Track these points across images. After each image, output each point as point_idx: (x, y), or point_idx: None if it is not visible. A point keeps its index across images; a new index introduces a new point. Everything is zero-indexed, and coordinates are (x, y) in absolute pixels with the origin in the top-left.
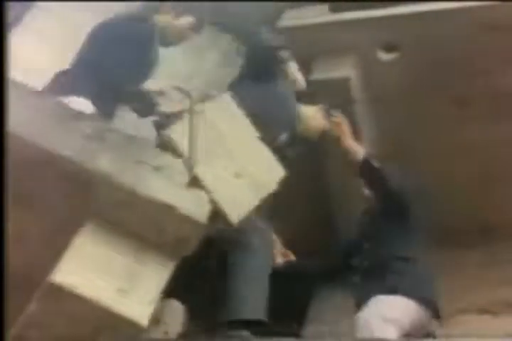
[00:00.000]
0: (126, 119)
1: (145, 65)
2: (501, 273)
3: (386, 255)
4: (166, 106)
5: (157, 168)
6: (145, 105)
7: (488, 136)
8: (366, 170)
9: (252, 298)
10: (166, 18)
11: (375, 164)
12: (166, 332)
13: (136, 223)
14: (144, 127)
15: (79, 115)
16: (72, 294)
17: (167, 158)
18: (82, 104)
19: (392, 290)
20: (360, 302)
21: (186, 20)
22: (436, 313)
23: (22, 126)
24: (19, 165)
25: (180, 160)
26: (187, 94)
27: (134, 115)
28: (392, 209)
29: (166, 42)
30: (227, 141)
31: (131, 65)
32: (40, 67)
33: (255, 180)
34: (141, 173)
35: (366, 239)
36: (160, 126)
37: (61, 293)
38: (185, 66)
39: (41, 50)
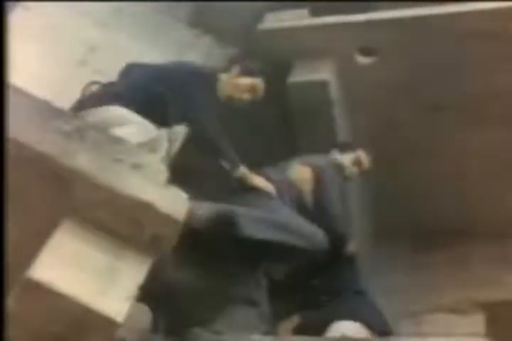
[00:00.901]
0: None
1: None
2: (469, 273)
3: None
4: None
5: (135, 166)
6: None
7: (463, 141)
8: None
9: None
10: (229, 77)
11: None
12: None
13: (114, 220)
14: None
15: (59, 113)
16: (49, 290)
17: (145, 157)
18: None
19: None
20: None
21: (248, 81)
22: None
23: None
24: None
25: (158, 159)
26: None
27: None
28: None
29: (221, 97)
30: None
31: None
32: (24, 66)
33: None
34: (120, 171)
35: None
36: None
37: (38, 289)
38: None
39: (25, 49)
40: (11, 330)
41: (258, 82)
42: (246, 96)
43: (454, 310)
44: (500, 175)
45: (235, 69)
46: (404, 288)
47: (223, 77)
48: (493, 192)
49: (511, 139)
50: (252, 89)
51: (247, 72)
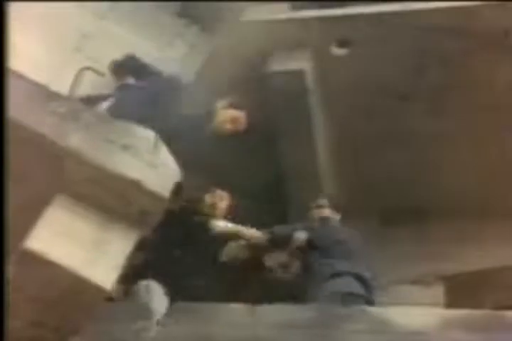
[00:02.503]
0: None
1: None
2: (431, 247)
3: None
4: None
5: (125, 147)
6: None
7: (427, 128)
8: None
9: None
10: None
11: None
12: None
13: (104, 197)
14: None
15: (55, 96)
16: (43, 259)
17: (134, 138)
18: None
19: None
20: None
21: (229, 113)
22: None
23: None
24: None
25: (146, 140)
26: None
27: None
28: None
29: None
30: None
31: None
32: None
33: None
34: (110, 151)
35: None
36: None
37: (33, 258)
38: (152, 54)
39: (23, 36)
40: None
41: (239, 115)
42: (228, 126)
43: (416, 281)
44: (459, 160)
45: (224, 102)
46: (371, 262)
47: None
48: (451, 175)
49: (473, 127)
50: (232, 120)
51: (232, 105)
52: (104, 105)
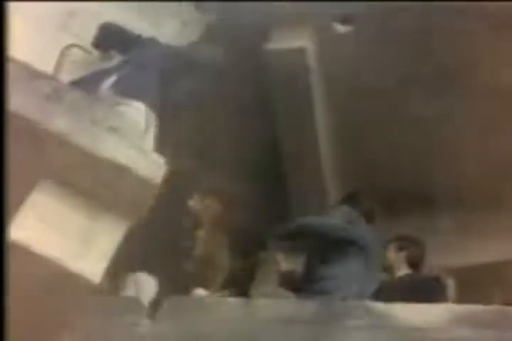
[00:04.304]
0: None
1: None
2: (438, 240)
3: None
4: None
5: (112, 129)
6: None
7: (432, 111)
8: None
9: None
10: None
11: None
12: None
13: (90, 183)
14: None
15: (38, 75)
16: (26, 251)
17: (122, 120)
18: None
19: None
20: None
21: None
22: None
23: None
24: None
25: (134, 122)
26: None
27: None
28: None
29: None
30: None
31: None
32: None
33: None
34: (96, 134)
35: None
36: None
37: (15, 250)
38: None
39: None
40: None
41: None
42: None
43: None
44: (465, 147)
45: None
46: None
47: None
48: (456, 163)
49: (481, 112)
50: None
51: None
52: (108, 83)
